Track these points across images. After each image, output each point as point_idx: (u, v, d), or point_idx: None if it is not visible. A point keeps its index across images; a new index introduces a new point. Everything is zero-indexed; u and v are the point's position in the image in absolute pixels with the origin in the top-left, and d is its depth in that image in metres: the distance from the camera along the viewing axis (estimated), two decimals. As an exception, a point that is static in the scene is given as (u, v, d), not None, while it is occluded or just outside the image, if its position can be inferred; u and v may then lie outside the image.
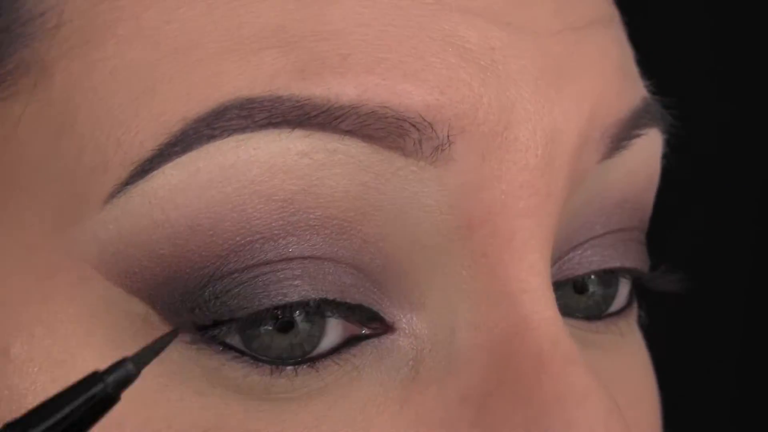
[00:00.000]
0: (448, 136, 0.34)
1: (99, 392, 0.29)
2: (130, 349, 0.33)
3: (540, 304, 0.35)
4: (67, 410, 0.29)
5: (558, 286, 0.38)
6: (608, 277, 0.40)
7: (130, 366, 0.30)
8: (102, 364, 0.32)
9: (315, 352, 0.35)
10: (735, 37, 0.85)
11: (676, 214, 0.66)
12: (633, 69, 0.40)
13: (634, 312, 0.42)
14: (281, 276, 0.34)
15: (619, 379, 0.39)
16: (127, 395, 0.32)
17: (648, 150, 0.39)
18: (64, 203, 0.34)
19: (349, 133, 0.34)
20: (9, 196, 0.35)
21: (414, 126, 0.34)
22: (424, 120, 0.34)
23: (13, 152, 0.35)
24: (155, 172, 0.33)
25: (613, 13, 0.40)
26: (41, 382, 0.34)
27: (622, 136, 0.38)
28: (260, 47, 0.34)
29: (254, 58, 0.34)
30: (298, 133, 0.34)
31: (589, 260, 0.39)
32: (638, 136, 0.38)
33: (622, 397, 0.37)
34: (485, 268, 0.35)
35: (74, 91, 0.34)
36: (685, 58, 0.79)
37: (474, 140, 0.35)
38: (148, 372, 0.33)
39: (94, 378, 0.30)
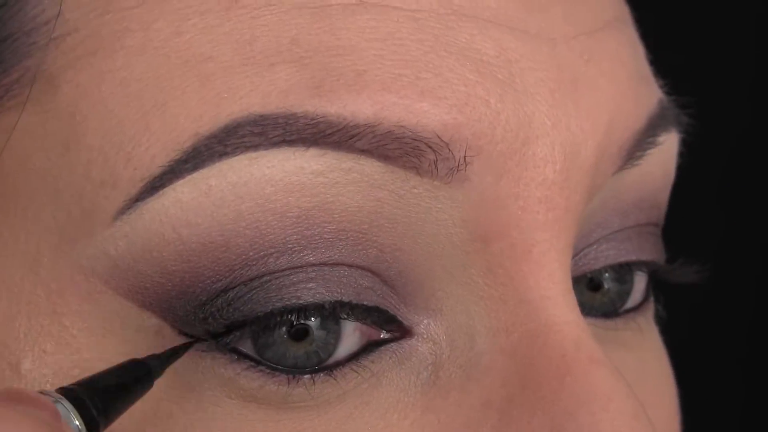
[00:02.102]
0: (464, 157, 0.34)
1: (140, 372, 0.32)
2: None
3: (561, 308, 0.35)
4: (113, 381, 0.31)
5: (573, 283, 0.38)
6: (623, 272, 0.40)
7: (154, 361, 0.32)
8: None
9: (331, 360, 0.34)
10: (749, 31, 0.85)
11: (691, 208, 0.65)
12: (647, 72, 0.40)
13: (651, 307, 0.42)
14: (295, 279, 0.33)
15: (641, 375, 0.39)
16: (143, 407, 0.33)
17: (665, 152, 0.39)
18: (72, 217, 0.34)
19: (365, 152, 0.33)
20: (13, 207, 0.34)
21: (430, 147, 0.33)
22: (441, 140, 0.33)
23: (19, 162, 0.34)
24: (166, 189, 0.33)
25: (625, 13, 0.40)
26: None
27: (638, 147, 0.37)
28: (274, 62, 0.33)
29: (267, 73, 0.33)
30: (313, 151, 0.33)
31: (605, 254, 0.39)
32: (655, 145, 0.38)
33: (643, 394, 0.36)
34: (503, 278, 0.35)
35: (82, 102, 0.34)
36: (699, 54, 0.79)
37: (491, 159, 0.34)
38: (163, 383, 0.33)
39: (133, 363, 0.32)
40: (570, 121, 0.35)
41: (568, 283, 0.35)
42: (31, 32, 0.34)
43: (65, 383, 0.33)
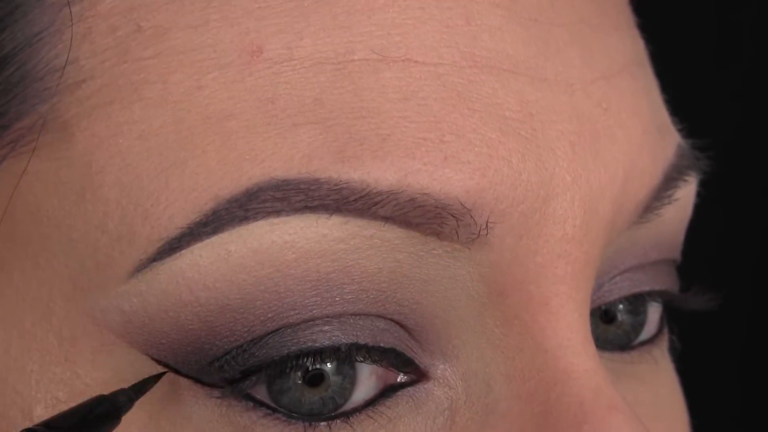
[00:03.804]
0: (487, 224, 0.34)
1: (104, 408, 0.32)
2: (159, 414, 0.34)
3: (581, 356, 0.35)
4: (77, 419, 0.31)
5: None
6: (637, 303, 0.40)
7: (122, 397, 0.32)
8: (130, 428, 0.33)
9: (348, 406, 0.34)
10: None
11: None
12: (664, 119, 0.39)
13: (665, 338, 0.42)
14: (310, 323, 0.33)
15: (654, 409, 0.39)
16: None
17: (681, 197, 0.39)
18: (86, 267, 0.33)
19: (387, 219, 0.33)
20: (24, 253, 0.34)
21: (452, 215, 0.33)
22: (464, 207, 0.33)
23: (31, 209, 0.34)
24: (184, 252, 0.32)
25: (641, 55, 0.40)
26: None
27: (655, 202, 0.37)
28: (296, 122, 0.32)
29: (290, 135, 0.32)
30: (336, 219, 0.33)
31: (619, 286, 0.39)
32: (670, 198, 0.38)
33: (656, 428, 0.36)
34: (519, 328, 0.35)
35: (98, 153, 0.33)
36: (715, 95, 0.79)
37: (512, 221, 0.34)
38: (179, 430, 0.33)
39: (100, 399, 0.32)
40: (590, 175, 0.35)
41: (587, 332, 0.35)
42: (44, 77, 0.33)
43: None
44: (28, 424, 0.33)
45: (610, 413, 0.34)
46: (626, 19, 0.40)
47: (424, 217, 0.33)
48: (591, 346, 0.35)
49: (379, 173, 0.33)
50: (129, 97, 0.33)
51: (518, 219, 0.34)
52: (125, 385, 0.33)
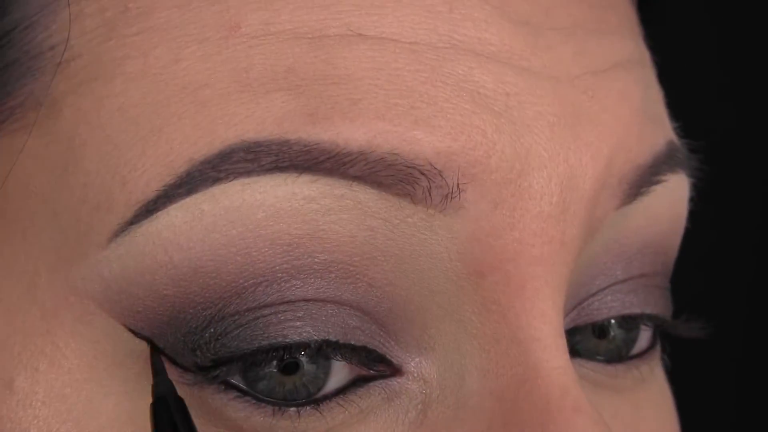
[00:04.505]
0: (458, 185, 0.34)
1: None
2: (134, 385, 0.34)
3: (550, 352, 0.34)
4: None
5: (578, 329, 0.38)
6: (629, 320, 0.39)
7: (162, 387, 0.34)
8: (106, 400, 0.34)
9: (320, 394, 0.34)
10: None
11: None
12: (658, 112, 0.39)
13: (656, 355, 0.41)
14: (282, 318, 0.34)
15: (639, 425, 0.39)
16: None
17: (672, 195, 0.38)
18: (68, 239, 0.34)
19: (358, 179, 0.33)
20: (14, 228, 0.35)
21: (423, 174, 0.33)
22: (434, 167, 0.33)
23: (21, 185, 0.35)
24: (159, 213, 0.33)
25: (641, 55, 0.39)
26: (44, 416, 0.34)
27: (641, 182, 0.37)
28: (269, 89, 0.33)
29: (263, 101, 0.33)
30: (305, 178, 0.33)
31: (609, 306, 0.38)
32: (659, 182, 0.38)
33: None
34: (496, 315, 0.35)
35: (82, 127, 0.34)
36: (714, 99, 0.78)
37: (486, 188, 0.34)
38: (150, 412, 0.33)
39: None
40: (569, 154, 0.35)
41: (559, 326, 0.35)
42: (37, 56, 0.34)
43: (58, 403, 0.34)
44: (8, 394, 0.34)
45: (575, 414, 0.33)
46: (629, 26, 0.39)
47: (394, 177, 0.33)
48: (562, 341, 0.35)
49: (349, 134, 0.33)
50: (111, 72, 0.34)
51: (492, 187, 0.34)
52: (103, 358, 0.34)
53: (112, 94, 0.34)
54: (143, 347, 0.34)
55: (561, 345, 0.35)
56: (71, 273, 0.34)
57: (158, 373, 0.34)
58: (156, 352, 0.34)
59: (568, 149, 0.35)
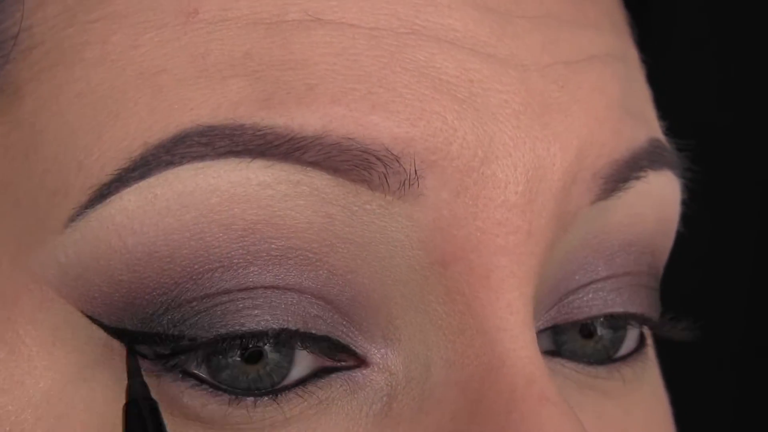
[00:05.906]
0: (416, 171, 0.33)
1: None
2: (92, 373, 0.34)
3: (517, 342, 0.34)
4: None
5: (563, 329, 0.37)
6: (615, 320, 0.38)
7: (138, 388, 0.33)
8: (64, 387, 0.33)
9: (281, 384, 0.34)
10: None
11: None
12: (641, 108, 0.38)
13: (646, 356, 0.40)
14: (240, 306, 0.33)
15: (628, 428, 0.38)
16: (88, 420, 0.33)
17: (658, 194, 0.38)
18: (28, 225, 0.34)
19: (313, 164, 0.33)
20: None
21: (379, 159, 0.33)
22: (391, 153, 0.33)
23: None
24: (113, 197, 0.33)
25: (623, 51, 0.39)
26: (3, 403, 0.34)
27: (618, 178, 0.36)
28: (226, 75, 0.33)
29: (219, 86, 0.33)
30: (259, 163, 0.33)
31: (591, 304, 0.38)
32: (638, 178, 0.37)
33: None
34: (461, 305, 0.34)
35: (41, 113, 0.34)
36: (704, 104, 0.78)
37: (447, 175, 0.33)
38: (109, 398, 0.33)
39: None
40: (536, 143, 0.35)
41: (528, 316, 0.34)
42: (1, 45, 0.35)
43: (17, 390, 0.34)
44: None
45: (540, 404, 0.33)
46: (611, 21, 0.39)
47: (350, 162, 0.33)
48: (530, 331, 0.34)
49: (304, 119, 0.33)
50: (71, 59, 0.34)
51: (453, 174, 0.34)
52: (61, 345, 0.34)
53: (72, 80, 0.34)
54: (101, 335, 0.34)
55: (528, 336, 0.34)
56: (30, 260, 0.34)
57: (133, 375, 0.33)
58: (132, 354, 0.33)
59: (535, 138, 0.34)
